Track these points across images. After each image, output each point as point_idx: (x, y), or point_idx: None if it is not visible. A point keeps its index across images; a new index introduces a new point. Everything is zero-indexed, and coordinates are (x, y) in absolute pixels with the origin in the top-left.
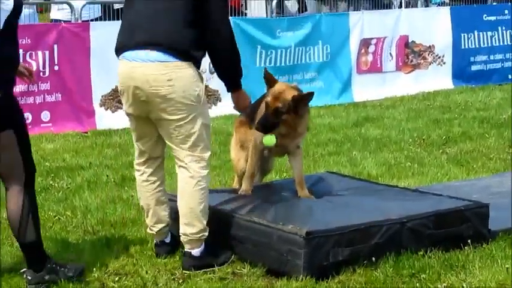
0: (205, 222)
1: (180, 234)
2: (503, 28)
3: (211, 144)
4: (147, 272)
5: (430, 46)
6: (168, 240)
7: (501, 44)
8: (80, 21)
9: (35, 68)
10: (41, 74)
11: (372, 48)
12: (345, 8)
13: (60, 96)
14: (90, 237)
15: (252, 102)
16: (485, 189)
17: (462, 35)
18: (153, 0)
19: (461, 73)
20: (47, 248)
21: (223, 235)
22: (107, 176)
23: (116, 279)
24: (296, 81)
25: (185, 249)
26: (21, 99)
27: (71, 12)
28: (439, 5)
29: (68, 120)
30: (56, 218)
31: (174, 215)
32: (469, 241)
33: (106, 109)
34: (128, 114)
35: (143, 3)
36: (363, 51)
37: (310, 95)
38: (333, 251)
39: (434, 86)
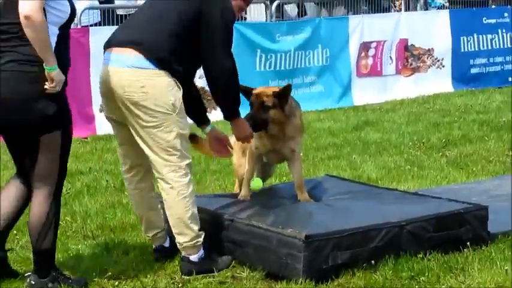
0: (196, 229)
1: (176, 243)
2: (503, 31)
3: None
4: (146, 277)
5: (429, 49)
6: (167, 244)
7: (501, 46)
8: (79, 27)
9: None
10: None
11: (371, 52)
12: (344, 12)
13: None
14: (90, 242)
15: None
16: (485, 192)
17: (462, 38)
18: (151, 9)
19: (461, 76)
20: None
21: (222, 239)
22: (107, 181)
23: (116, 283)
24: (296, 85)
25: (183, 255)
26: None
27: None
28: (438, 8)
29: None
30: None
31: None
32: (468, 244)
33: None
34: (108, 118)
35: (143, 11)
36: (362, 54)
37: (288, 86)
38: (332, 254)
39: (434, 89)
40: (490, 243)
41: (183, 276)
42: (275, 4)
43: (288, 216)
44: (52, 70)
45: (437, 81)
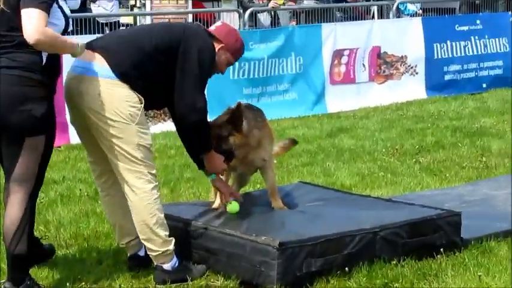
0: (163, 234)
1: (148, 252)
2: (476, 38)
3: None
4: (120, 286)
5: (402, 56)
6: (141, 253)
7: (474, 53)
8: None
9: None
10: None
11: (344, 59)
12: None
13: None
14: (64, 251)
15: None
16: (458, 197)
17: (435, 45)
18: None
19: (435, 83)
20: None
21: (196, 247)
22: (80, 190)
23: None
24: (270, 93)
25: (156, 263)
26: None
27: None
28: (411, 16)
29: None
30: None
31: None
32: (441, 250)
33: None
34: (73, 125)
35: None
36: (336, 62)
37: (238, 106)
38: (306, 261)
39: (408, 96)
40: (463, 249)
41: (157, 286)
42: (248, 12)
43: (262, 224)
44: (78, 53)
45: (411, 88)
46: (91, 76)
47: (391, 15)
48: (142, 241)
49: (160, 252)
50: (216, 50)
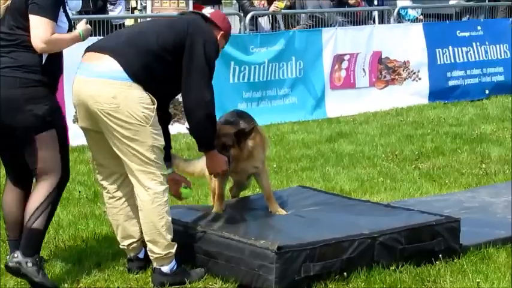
0: (169, 237)
1: (148, 253)
2: (478, 44)
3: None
4: None
5: (404, 62)
6: (141, 255)
7: (477, 59)
8: None
9: None
10: None
11: (345, 64)
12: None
13: None
14: (62, 253)
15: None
16: (457, 204)
17: (437, 50)
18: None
19: (438, 89)
20: None
21: (195, 251)
22: (79, 192)
23: None
24: (269, 97)
25: (154, 266)
26: None
27: None
28: (412, 21)
29: None
30: None
31: None
32: (440, 256)
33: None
34: (82, 128)
35: (128, 28)
36: (336, 67)
37: (253, 129)
38: (304, 265)
39: (409, 102)
40: (462, 256)
41: None
42: (249, 16)
43: (261, 228)
44: (83, 40)
45: (412, 94)
46: (104, 79)
47: (391, 20)
48: (147, 242)
49: (162, 255)
50: (218, 38)
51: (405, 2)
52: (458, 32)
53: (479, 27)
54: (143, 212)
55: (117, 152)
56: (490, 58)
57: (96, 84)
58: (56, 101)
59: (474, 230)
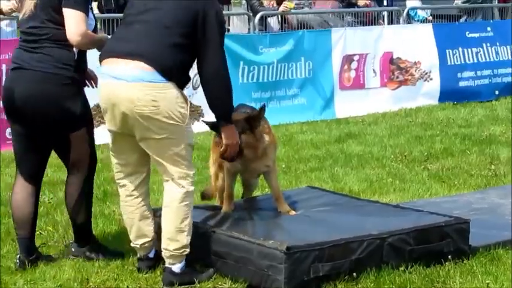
0: (189, 238)
1: (162, 249)
2: (488, 45)
3: (194, 160)
4: (127, 287)
5: (415, 62)
6: (151, 255)
7: (487, 60)
8: None
9: None
10: None
11: (354, 65)
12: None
13: None
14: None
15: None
16: (467, 205)
17: (447, 51)
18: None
19: (449, 89)
20: None
21: (204, 251)
22: None
23: None
24: (278, 98)
25: (165, 265)
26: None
27: None
28: (421, 22)
29: None
30: (38, 233)
31: (158, 230)
32: (449, 257)
33: None
34: (110, 131)
35: (139, 21)
36: (345, 67)
37: (262, 109)
38: (313, 266)
39: (419, 103)
40: (471, 257)
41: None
42: (258, 16)
43: (270, 228)
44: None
45: (424, 95)
46: (139, 82)
47: (401, 21)
48: (165, 239)
49: (176, 254)
50: None
51: (415, 2)
52: (467, 33)
53: (489, 28)
54: (170, 208)
55: (150, 152)
56: (500, 59)
57: (134, 88)
58: (85, 96)
59: (483, 231)
